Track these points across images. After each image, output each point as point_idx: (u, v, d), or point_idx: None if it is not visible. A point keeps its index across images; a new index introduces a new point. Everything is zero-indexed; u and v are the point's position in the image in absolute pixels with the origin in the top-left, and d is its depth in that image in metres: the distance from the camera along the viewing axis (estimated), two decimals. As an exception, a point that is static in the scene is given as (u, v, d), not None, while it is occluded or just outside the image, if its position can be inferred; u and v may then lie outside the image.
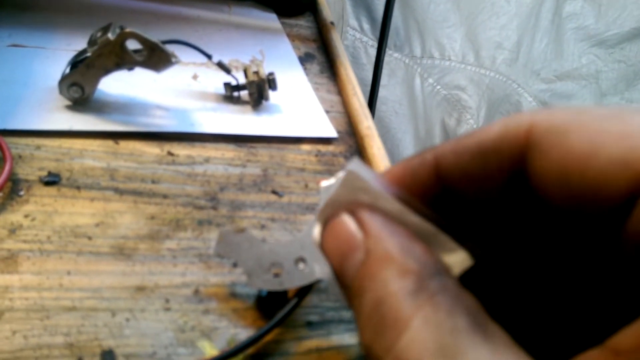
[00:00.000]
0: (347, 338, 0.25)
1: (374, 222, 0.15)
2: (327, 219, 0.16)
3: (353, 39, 0.85)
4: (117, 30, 0.31)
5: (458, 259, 0.16)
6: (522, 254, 0.16)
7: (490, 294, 0.15)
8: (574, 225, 0.13)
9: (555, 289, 0.15)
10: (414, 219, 0.15)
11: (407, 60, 0.88)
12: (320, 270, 0.19)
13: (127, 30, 0.30)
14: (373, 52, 0.83)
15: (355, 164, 0.16)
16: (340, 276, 0.15)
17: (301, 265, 0.21)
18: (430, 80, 0.87)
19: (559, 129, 0.13)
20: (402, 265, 0.13)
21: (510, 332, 0.13)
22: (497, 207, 0.15)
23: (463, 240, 0.16)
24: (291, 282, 0.21)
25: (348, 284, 0.15)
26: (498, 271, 0.16)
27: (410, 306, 0.13)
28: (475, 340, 0.12)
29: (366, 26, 0.85)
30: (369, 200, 0.15)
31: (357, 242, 0.15)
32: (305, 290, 0.23)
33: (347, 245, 0.15)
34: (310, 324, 0.25)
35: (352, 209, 0.15)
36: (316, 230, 0.17)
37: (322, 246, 0.16)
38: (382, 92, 0.80)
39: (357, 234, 0.15)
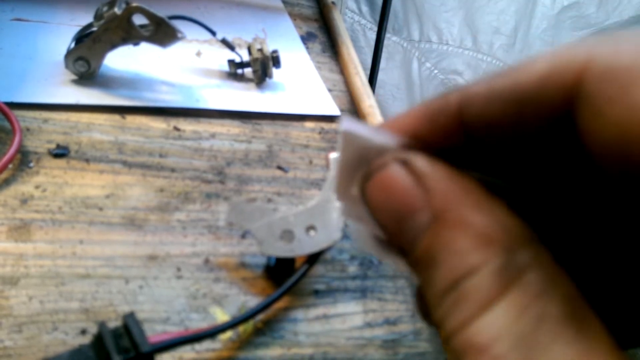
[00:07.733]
0: (352, 306, 0.26)
1: (437, 175, 0.12)
2: (372, 171, 0.13)
3: (351, 22, 0.85)
4: (124, 5, 0.31)
5: None
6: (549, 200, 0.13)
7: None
8: (627, 192, 0.10)
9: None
10: None
11: (405, 44, 0.88)
12: (353, 229, 0.16)
13: (134, 4, 0.30)
14: (371, 35, 0.83)
15: (347, 123, 0.13)
16: (396, 239, 0.13)
17: (312, 233, 0.22)
18: (428, 65, 0.87)
19: (622, 75, 0.10)
20: (482, 232, 0.11)
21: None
22: (528, 155, 0.12)
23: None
24: (302, 249, 0.22)
25: (409, 249, 0.12)
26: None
27: (496, 285, 0.10)
28: (566, 334, 0.10)
29: (365, 9, 0.85)
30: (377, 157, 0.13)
31: (417, 201, 0.12)
32: (314, 258, 0.23)
33: (404, 204, 0.12)
34: (317, 293, 0.26)
35: (404, 158, 0.12)
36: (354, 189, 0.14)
37: (369, 203, 0.13)
38: (380, 76, 0.80)
39: (417, 191, 0.12)
